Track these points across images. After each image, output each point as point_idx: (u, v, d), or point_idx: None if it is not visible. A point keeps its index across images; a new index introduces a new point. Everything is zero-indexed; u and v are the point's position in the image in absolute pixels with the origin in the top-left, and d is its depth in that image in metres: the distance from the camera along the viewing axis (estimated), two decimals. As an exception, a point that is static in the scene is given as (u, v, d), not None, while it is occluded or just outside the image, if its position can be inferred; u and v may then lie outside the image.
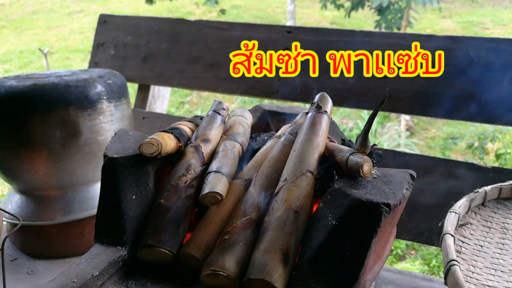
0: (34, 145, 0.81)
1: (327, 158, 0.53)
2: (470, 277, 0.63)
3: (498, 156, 3.17)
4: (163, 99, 1.33)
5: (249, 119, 0.70)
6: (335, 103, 1.05)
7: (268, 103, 0.83)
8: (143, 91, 1.27)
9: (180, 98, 4.87)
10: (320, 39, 1.07)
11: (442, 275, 0.60)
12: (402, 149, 3.33)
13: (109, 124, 0.88)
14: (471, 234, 0.73)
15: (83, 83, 0.84)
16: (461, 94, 0.95)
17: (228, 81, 1.13)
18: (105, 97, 0.87)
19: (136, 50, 1.26)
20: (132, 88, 1.60)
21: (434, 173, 0.94)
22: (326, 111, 0.57)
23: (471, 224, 0.74)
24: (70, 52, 6.07)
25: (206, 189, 0.50)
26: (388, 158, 0.98)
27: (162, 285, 0.48)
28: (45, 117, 0.80)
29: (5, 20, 7.51)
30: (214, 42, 1.17)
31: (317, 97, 0.59)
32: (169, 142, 0.53)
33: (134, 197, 0.52)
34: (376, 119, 4.19)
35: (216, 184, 0.50)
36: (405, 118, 4.31)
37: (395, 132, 4.04)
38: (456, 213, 0.70)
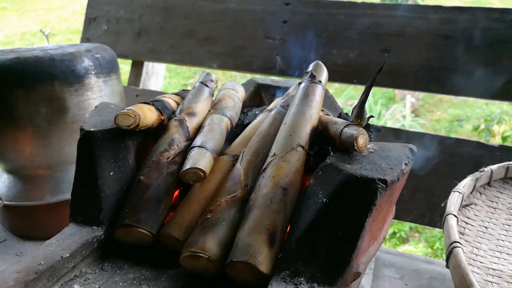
0: (18, 122, 0.77)
1: (321, 131, 0.49)
2: (474, 260, 0.60)
3: (504, 139, 3.12)
4: (158, 76, 1.29)
5: (240, 93, 0.66)
6: (336, 79, 1.01)
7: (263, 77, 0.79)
8: (137, 67, 1.23)
9: (182, 80, 4.81)
10: (320, 11, 1.01)
11: (445, 257, 0.57)
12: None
13: (98, 100, 0.84)
14: (476, 215, 0.69)
15: (69, 57, 0.80)
16: (467, 68, 0.90)
17: (224, 56, 1.09)
18: (93, 72, 0.83)
19: (129, 25, 1.21)
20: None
21: (438, 152, 0.90)
22: (320, 81, 0.52)
23: (475, 204, 0.70)
24: (72, 33, 6.01)
25: (188, 165, 0.46)
26: (390, 137, 0.94)
27: (140, 267, 0.44)
28: (29, 92, 0.76)
29: (7, 1, 7.44)
30: (209, 15, 1.11)
31: (311, 66, 0.54)
32: (149, 114, 0.49)
33: (112, 173, 0.48)
34: (380, 101, 4.12)
35: (199, 159, 0.46)
36: (410, 99, 4.24)
37: (400, 113, 3.98)
38: (460, 192, 0.66)
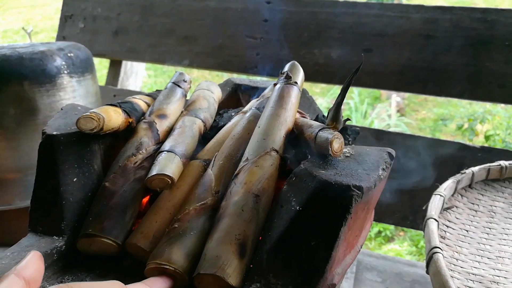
0: (-15, 123, 0.74)
1: (296, 135, 0.47)
2: (454, 265, 0.59)
3: (487, 138, 3.15)
4: (136, 75, 1.26)
5: (216, 94, 0.63)
6: (318, 79, 0.99)
7: (242, 77, 0.77)
8: (115, 67, 1.19)
9: (168, 79, 4.75)
10: (301, 10, 1.00)
11: (425, 263, 0.56)
12: (392, 129, 3.28)
13: (71, 101, 0.81)
14: (457, 218, 0.68)
15: (39, 56, 0.77)
16: (449, 68, 0.89)
17: (203, 56, 1.06)
18: (65, 72, 0.80)
19: (107, 23, 1.18)
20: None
21: (421, 153, 0.89)
22: (296, 82, 0.50)
23: (457, 207, 0.69)
24: (55, 31, 5.90)
25: (154, 171, 0.43)
26: (372, 138, 0.92)
27: (104, 280, 0.41)
28: (-5, 92, 0.73)
29: (-12, -2, 7.28)
30: (188, 13, 1.09)
31: (287, 66, 0.52)
32: (114, 117, 0.46)
33: (75, 179, 0.45)
34: (366, 100, 4.13)
35: (167, 165, 0.44)
36: (396, 99, 4.26)
37: (385, 112, 4.00)
38: (441, 195, 0.65)
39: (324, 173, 0.39)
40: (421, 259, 2.49)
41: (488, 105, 3.52)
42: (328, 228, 0.37)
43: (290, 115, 0.47)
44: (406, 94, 4.40)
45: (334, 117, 0.43)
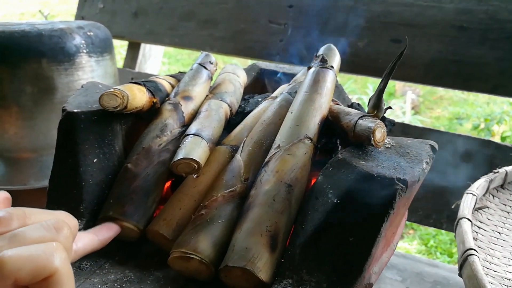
0: (1, 101, 0.72)
1: (331, 122, 0.44)
2: (488, 268, 0.55)
3: (503, 139, 3.08)
4: (155, 59, 1.23)
5: (242, 78, 0.60)
6: (343, 69, 0.96)
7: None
8: (133, 49, 1.17)
9: (182, 67, 4.73)
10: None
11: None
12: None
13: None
14: (488, 219, 0.64)
15: (58, 33, 0.75)
16: (482, 62, 0.85)
17: (224, 40, 1.03)
18: (84, 51, 0.78)
19: (126, 4, 1.15)
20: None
21: (447, 150, 0.85)
22: (332, 66, 0.47)
23: (488, 207, 0.66)
24: (72, 15, 5.90)
25: (180, 155, 0.41)
26: (396, 133, 0.89)
27: (123, 267, 0.39)
28: (13, 69, 0.71)
29: (5, -20, 7.30)
30: (210, -4, 1.05)
31: (322, 49, 0.49)
32: (138, 96, 0.44)
33: (95, 160, 0.43)
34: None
35: (193, 149, 0.41)
36: (410, 96, 4.20)
37: (400, 109, 3.93)
38: (473, 194, 0.61)
39: (364, 164, 0.36)
40: (430, 258, 2.45)
41: (505, 106, 3.44)
42: (369, 223, 0.34)
43: (325, 101, 0.44)
44: (422, 91, 4.32)
45: (376, 105, 0.40)
